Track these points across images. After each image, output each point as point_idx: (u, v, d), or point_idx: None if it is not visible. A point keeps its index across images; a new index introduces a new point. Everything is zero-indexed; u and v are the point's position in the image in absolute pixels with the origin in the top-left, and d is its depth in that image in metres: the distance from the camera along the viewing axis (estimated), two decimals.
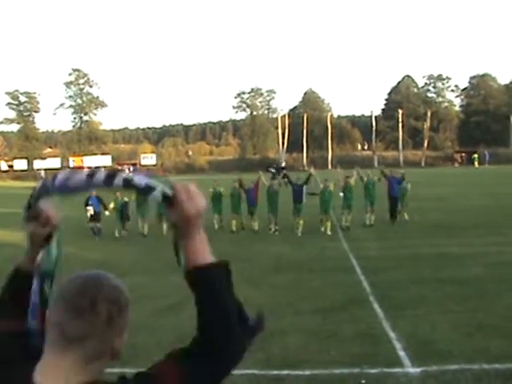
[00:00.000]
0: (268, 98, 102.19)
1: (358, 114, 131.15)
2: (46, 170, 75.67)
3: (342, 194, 20.83)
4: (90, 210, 19.95)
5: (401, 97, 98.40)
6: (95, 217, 20.15)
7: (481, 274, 12.49)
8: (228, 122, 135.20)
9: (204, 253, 1.60)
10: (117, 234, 20.40)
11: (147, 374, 1.53)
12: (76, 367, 1.42)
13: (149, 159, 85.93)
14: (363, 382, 6.88)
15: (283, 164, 50.42)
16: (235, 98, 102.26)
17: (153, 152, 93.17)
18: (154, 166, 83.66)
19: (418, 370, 7.21)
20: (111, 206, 20.33)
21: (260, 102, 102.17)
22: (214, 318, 1.57)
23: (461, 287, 11.37)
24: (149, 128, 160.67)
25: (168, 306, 10.55)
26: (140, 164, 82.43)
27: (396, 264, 14.06)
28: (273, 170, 45.47)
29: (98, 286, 1.47)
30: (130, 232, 20.81)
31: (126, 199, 20.42)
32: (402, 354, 7.76)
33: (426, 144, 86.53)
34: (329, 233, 19.34)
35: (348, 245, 17.20)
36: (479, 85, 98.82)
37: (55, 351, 1.43)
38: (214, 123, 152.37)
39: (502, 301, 10.30)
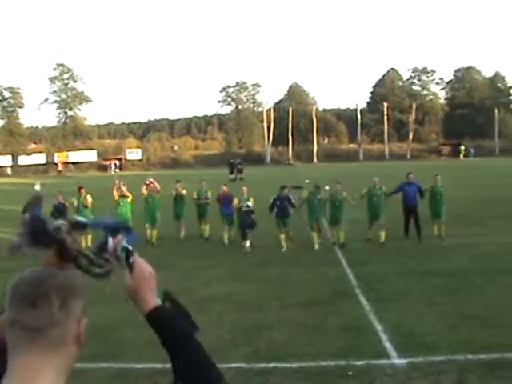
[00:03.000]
0: (253, 92, 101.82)
1: (343, 107, 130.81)
2: (30, 165, 75.07)
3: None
4: None
5: (386, 90, 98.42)
6: None
7: (465, 266, 12.63)
8: (213, 116, 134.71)
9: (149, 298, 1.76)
10: None
11: None
12: (43, 359, 1.43)
13: (134, 154, 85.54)
14: (350, 373, 6.94)
15: (238, 160, 51.84)
16: (220, 92, 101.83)
17: (138, 147, 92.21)
18: (139, 160, 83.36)
19: (404, 361, 7.29)
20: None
21: (245, 96, 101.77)
22: (182, 355, 1.73)
23: (445, 279, 11.48)
24: (134, 123, 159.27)
25: None
26: (125, 159, 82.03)
27: (381, 256, 14.15)
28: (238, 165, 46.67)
29: (49, 276, 1.50)
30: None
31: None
32: (388, 345, 7.84)
33: (411, 137, 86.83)
34: (316, 247, 15.62)
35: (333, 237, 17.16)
36: (464, 78, 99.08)
37: (21, 350, 1.42)
38: (199, 117, 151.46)
39: (485, 292, 10.43)
